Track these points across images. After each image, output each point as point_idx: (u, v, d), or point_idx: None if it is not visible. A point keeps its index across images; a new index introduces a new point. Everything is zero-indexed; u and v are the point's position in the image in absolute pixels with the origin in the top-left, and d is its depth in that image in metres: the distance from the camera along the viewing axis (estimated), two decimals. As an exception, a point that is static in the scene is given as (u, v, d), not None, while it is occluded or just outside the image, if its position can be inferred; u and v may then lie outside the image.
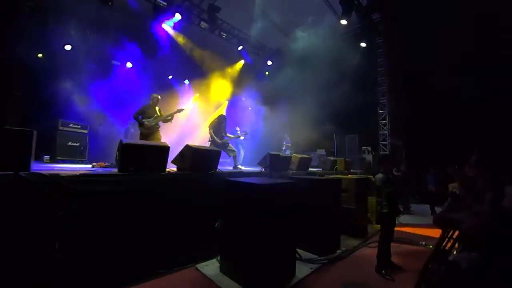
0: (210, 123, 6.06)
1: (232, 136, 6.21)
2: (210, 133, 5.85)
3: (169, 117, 5.47)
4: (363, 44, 9.94)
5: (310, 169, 6.51)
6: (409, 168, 5.81)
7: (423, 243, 4.33)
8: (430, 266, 2.12)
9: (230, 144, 6.00)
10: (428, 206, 7.10)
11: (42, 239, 2.28)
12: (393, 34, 9.28)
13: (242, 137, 6.73)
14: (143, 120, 5.20)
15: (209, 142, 5.87)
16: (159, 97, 5.58)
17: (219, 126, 5.97)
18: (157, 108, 5.45)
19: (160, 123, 5.44)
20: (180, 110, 5.58)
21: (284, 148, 9.23)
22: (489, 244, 1.49)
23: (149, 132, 5.22)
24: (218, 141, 5.74)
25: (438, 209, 6.73)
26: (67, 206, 2.43)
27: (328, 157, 8.16)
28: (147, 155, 3.28)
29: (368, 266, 3.32)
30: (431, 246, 3.99)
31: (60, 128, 6.35)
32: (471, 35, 6.60)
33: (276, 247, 2.79)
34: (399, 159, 7.71)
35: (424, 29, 7.39)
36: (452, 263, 1.52)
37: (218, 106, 12.19)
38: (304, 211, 3.60)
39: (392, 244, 3.41)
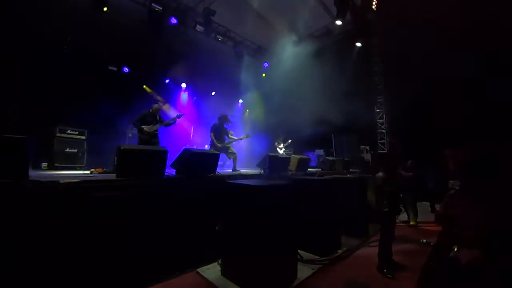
0: (212, 126, 6.05)
1: (234, 138, 6.18)
2: (211, 136, 5.85)
3: (172, 121, 5.55)
4: (358, 44, 10.00)
5: (309, 169, 6.51)
6: (415, 164, 5.81)
7: (424, 240, 4.34)
8: (431, 264, 2.12)
9: (231, 147, 5.98)
10: (428, 203, 7.13)
11: (41, 246, 2.26)
12: (388, 33, 9.34)
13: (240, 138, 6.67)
14: (143, 126, 5.25)
15: (208, 146, 5.87)
16: (160, 107, 5.66)
17: (220, 128, 5.95)
18: (157, 115, 5.52)
19: (161, 128, 5.51)
20: (179, 116, 5.65)
21: (281, 151, 9.09)
22: (490, 240, 1.49)
23: (148, 138, 5.26)
24: (218, 145, 5.73)
25: (438, 207, 6.75)
26: (66, 213, 2.41)
27: (327, 157, 8.18)
28: (145, 160, 3.26)
29: (369, 265, 3.32)
30: (432, 244, 3.99)
31: (58, 134, 6.31)
32: (469, 33, 6.64)
33: (277, 249, 2.78)
34: (398, 157, 7.72)
35: (421, 27, 7.44)
36: (452, 260, 1.52)
37: (215, 109, 12.20)
38: (304, 212, 3.60)
39: (393, 242, 3.41)
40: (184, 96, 11.35)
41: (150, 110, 5.49)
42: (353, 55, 10.10)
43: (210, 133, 5.89)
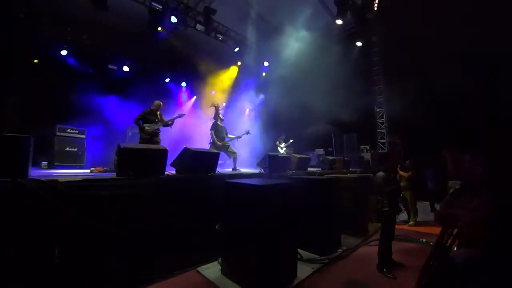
0: (212, 125, 6.02)
1: (233, 136, 6.15)
2: (211, 134, 5.84)
3: (170, 122, 5.48)
4: (358, 43, 9.98)
5: (309, 169, 6.51)
6: (413, 163, 5.80)
7: (424, 240, 4.34)
8: (431, 263, 2.12)
9: (231, 146, 5.97)
10: (428, 203, 7.14)
11: (42, 245, 2.26)
12: (388, 32, 9.33)
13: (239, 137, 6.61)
14: (144, 125, 5.21)
15: (209, 145, 5.85)
16: (161, 103, 5.59)
17: (220, 127, 5.95)
18: (158, 113, 5.46)
19: (160, 128, 5.46)
20: (181, 115, 5.61)
21: (282, 150, 9.09)
22: (488, 239, 1.49)
23: (149, 137, 5.22)
24: (218, 143, 5.72)
25: (438, 206, 6.76)
26: (66, 211, 2.41)
27: (327, 157, 8.18)
28: (145, 159, 3.27)
29: (369, 264, 3.33)
30: (431, 243, 4.00)
31: (58, 133, 6.32)
32: (468, 32, 6.63)
33: (277, 248, 2.78)
34: (397, 157, 7.73)
35: (419, 25, 7.43)
36: (448, 259, 1.53)
37: (216, 109, 12.17)
38: (304, 211, 3.61)
39: (393, 242, 3.42)
40: (184, 96, 11.34)
41: (151, 107, 5.44)
42: (353, 55, 10.08)
43: (210, 131, 5.88)
